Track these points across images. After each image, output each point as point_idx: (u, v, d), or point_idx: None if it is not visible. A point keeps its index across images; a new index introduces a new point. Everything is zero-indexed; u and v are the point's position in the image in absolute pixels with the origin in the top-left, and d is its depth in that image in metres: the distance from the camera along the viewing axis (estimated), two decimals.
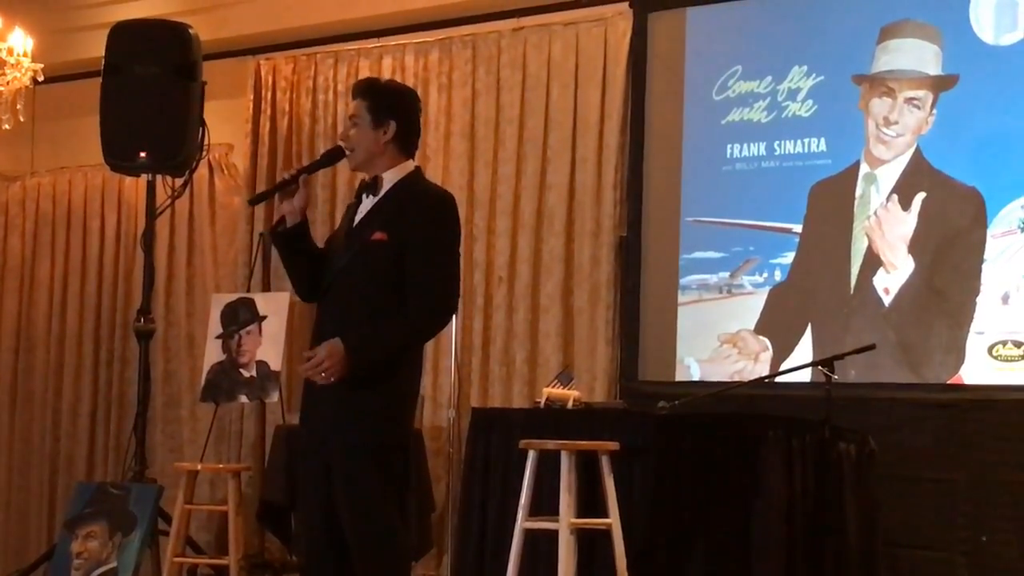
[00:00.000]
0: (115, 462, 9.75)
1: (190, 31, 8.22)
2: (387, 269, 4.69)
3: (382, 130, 4.77)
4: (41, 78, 8.28)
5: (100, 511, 7.85)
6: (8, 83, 8.14)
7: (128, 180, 9.73)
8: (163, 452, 9.54)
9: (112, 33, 8.26)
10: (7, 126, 8.26)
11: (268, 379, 8.35)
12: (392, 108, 4.80)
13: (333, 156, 4.88)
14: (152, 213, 8.33)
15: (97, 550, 7.73)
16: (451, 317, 4.83)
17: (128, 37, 8.21)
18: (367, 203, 4.80)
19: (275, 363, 8.37)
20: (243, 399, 8.50)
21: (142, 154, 8.02)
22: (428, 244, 4.70)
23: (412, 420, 4.90)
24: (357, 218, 4.83)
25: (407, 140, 4.86)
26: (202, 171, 9.00)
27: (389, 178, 4.79)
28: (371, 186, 4.81)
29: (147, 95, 8.02)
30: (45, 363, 10.38)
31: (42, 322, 10.45)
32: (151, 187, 8.30)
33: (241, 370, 8.39)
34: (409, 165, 4.85)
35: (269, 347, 8.40)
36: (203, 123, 8.18)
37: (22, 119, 8.29)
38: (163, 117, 8.04)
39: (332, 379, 4.59)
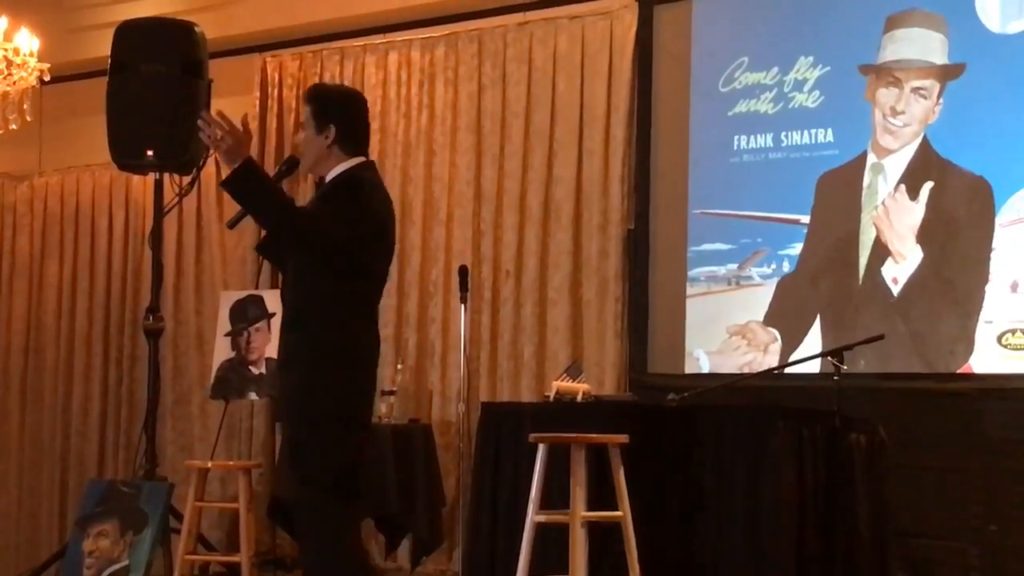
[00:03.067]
0: (125, 460, 9.77)
1: (196, 29, 8.22)
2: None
3: (324, 134, 5.01)
4: (48, 78, 8.29)
5: (111, 509, 7.86)
6: (15, 83, 8.15)
7: (136, 179, 9.74)
8: (173, 450, 9.55)
9: (118, 32, 8.26)
10: (14, 126, 8.27)
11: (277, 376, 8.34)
12: (332, 112, 5.05)
13: (290, 165, 5.13)
14: (160, 211, 8.34)
15: (109, 548, 7.74)
16: (308, 248, 4.90)
17: (134, 36, 8.21)
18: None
19: None
20: (253, 396, 8.51)
21: (149, 153, 8.02)
22: (325, 203, 4.94)
23: (347, 446, 4.93)
24: None
25: (351, 141, 5.08)
26: (209, 169, 9.00)
27: (330, 177, 5.03)
28: (319, 186, 5.12)
29: (154, 94, 8.02)
30: (55, 362, 10.40)
31: (51, 321, 10.46)
32: (159, 185, 8.31)
33: (250, 367, 8.39)
34: (353, 162, 5.04)
35: (278, 344, 8.39)
36: None
37: (29, 119, 8.30)
38: (170, 115, 8.03)
39: (213, 141, 4.73)
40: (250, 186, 4.78)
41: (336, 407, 4.91)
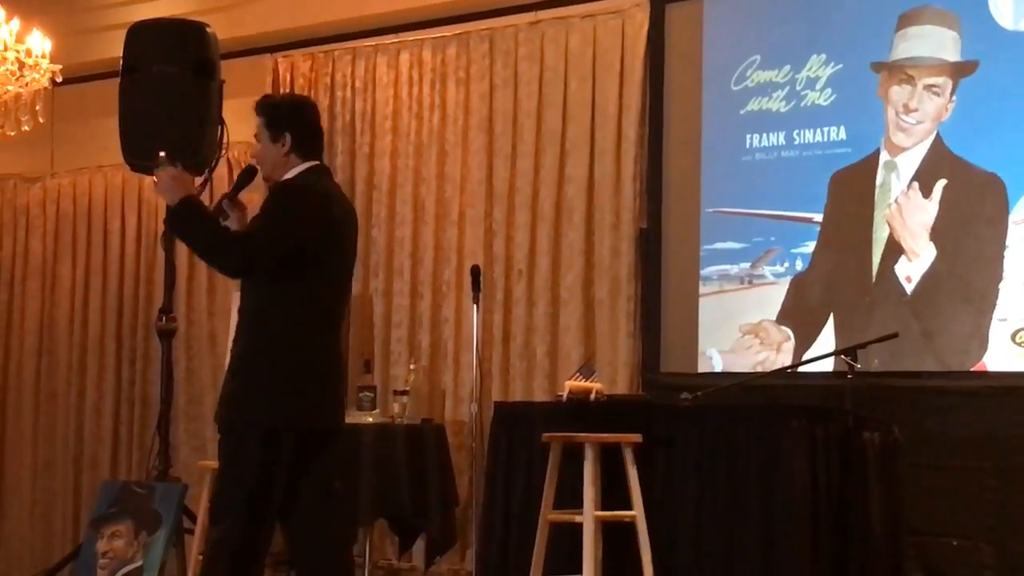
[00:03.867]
0: (139, 461, 9.78)
1: (208, 30, 8.21)
2: None
3: (280, 143, 5.19)
4: (60, 79, 8.30)
5: (125, 510, 7.87)
6: (27, 85, 8.16)
7: (148, 179, 9.72)
8: (187, 450, 9.56)
9: (130, 33, 8.26)
10: (26, 127, 8.28)
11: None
12: (286, 121, 5.22)
13: (248, 175, 5.30)
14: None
15: (123, 549, 7.75)
16: (236, 270, 5.19)
17: (146, 37, 8.20)
18: None
19: None
20: None
21: (161, 153, 7.99)
22: (261, 213, 5.08)
23: (273, 411, 5.02)
24: None
25: (307, 146, 5.26)
26: (221, 170, 8.99)
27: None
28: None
29: (165, 94, 8.01)
30: (68, 363, 10.42)
31: (64, 322, 10.48)
32: None
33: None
34: (304, 167, 5.19)
35: None
36: (222, 122, 8.17)
37: (41, 120, 8.31)
38: (182, 116, 8.02)
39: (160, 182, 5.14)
40: (182, 224, 5.09)
41: (259, 418, 5.00)
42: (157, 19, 8.57)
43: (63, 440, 10.36)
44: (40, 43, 8.21)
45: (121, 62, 8.22)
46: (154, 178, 5.08)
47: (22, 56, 8.10)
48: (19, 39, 8.11)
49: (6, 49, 8.05)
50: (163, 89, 8.03)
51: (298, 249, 5.01)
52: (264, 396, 5.01)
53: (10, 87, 8.11)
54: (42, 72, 8.16)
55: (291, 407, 5.02)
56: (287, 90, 9.38)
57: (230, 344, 5.43)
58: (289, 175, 5.18)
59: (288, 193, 5.13)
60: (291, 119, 5.25)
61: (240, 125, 8.96)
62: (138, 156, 8.20)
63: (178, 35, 8.19)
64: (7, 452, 10.63)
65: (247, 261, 5.05)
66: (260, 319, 5.08)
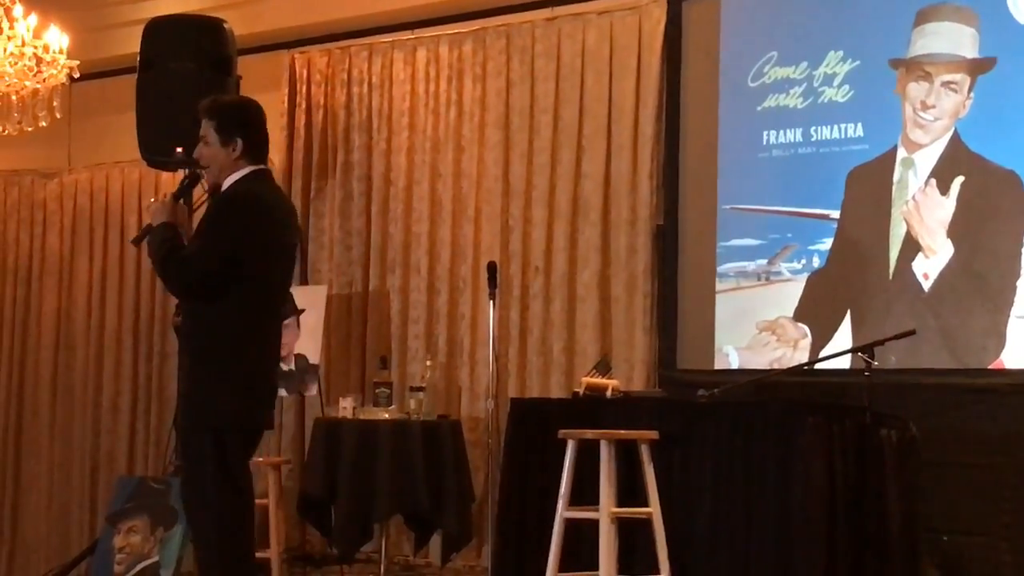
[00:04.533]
0: (155, 457, 9.79)
1: (225, 26, 8.23)
2: None
3: (231, 147, 5.22)
4: (77, 75, 8.30)
5: (142, 505, 7.89)
6: (45, 80, 8.16)
7: (165, 175, 9.75)
8: None
9: (147, 29, 8.29)
10: (44, 123, 8.28)
11: (307, 372, 8.38)
12: (237, 125, 5.25)
13: (193, 179, 5.34)
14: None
15: (139, 544, 7.77)
16: (180, 290, 5.31)
17: (163, 33, 8.23)
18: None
19: (314, 356, 8.40)
20: (282, 392, 8.52)
21: (178, 149, 8.03)
22: (209, 224, 5.19)
23: (225, 409, 5.23)
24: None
25: (255, 151, 5.31)
26: None
27: (225, 185, 5.25)
28: (214, 193, 5.32)
29: (182, 90, 8.02)
30: (85, 359, 10.44)
31: (81, 318, 10.50)
32: None
33: (280, 364, 8.39)
34: (247, 171, 5.24)
35: (307, 340, 8.42)
36: None
37: (59, 116, 8.31)
38: (199, 112, 8.04)
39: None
40: (151, 244, 5.21)
41: (205, 415, 5.23)
42: (174, 15, 8.60)
43: (80, 436, 10.37)
44: (57, 39, 8.21)
45: (138, 58, 8.25)
46: (152, 199, 5.17)
47: (39, 52, 8.10)
48: (37, 35, 8.11)
49: (24, 45, 8.05)
50: (180, 85, 8.05)
51: (235, 265, 5.13)
52: (209, 396, 5.24)
53: (28, 83, 8.11)
54: (59, 68, 8.16)
55: (229, 406, 5.25)
56: (303, 87, 9.39)
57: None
58: (234, 178, 5.23)
59: (229, 207, 5.23)
60: (242, 123, 5.29)
61: None
62: (155, 152, 8.23)
63: (195, 31, 8.21)
64: (25, 448, 10.66)
65: (185, 287, 5.22)
66: (205, 325, 5.23)
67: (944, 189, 7.33)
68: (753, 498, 6.10)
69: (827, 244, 7.68)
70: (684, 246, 8.14)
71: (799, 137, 7.82)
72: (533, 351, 8.48)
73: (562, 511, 6.23)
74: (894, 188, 7.50)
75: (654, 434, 6.20)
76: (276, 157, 9.49)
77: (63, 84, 8.32)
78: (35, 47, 8.08)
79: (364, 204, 9.15)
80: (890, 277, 7.43)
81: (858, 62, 7.66)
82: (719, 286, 7.99)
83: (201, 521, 5.25)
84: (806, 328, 7.70)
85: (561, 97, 8.55)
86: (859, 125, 7.65)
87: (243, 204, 5.20)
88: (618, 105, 8.33)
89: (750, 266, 7.91)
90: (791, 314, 7.75)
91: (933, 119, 7.42)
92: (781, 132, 7.87)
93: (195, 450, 5.24)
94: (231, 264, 5.11)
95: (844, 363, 7.12)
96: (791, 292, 7.76)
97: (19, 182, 10.90)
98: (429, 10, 9.06)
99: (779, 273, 7.83)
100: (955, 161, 7.33)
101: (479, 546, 8.29)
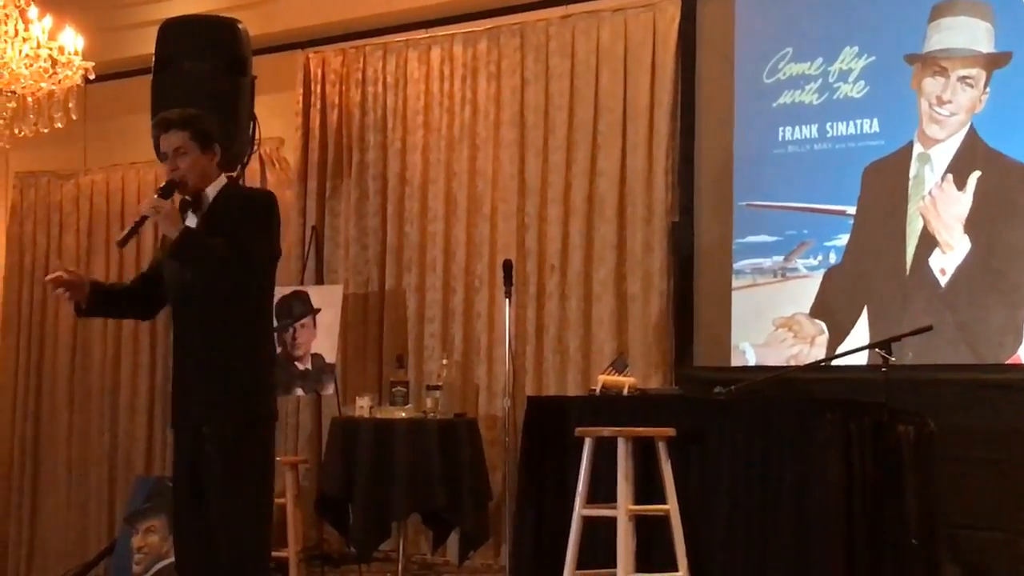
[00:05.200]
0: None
1: (239, 26, 8.23)
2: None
3: (211, 154, 5.27)
4: (92, 76, 8.31)
5: (160, 505, 7.90)
6: (60, 82, 8.17)
7: None
8: None
9: (162, 30, 8.29)
10: (60, 125, 8.29)
11: (323, 372, 8.39)
12: (213, 133, 5.31)
13: (170, 190, 5.23)
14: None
15: (158, 544, 7.79)
16: (232, 290, 5.17)
17: (178, 33, 8.23)
18: (193, 218, 5.20)
19: (330, 355, 8.41)
20: (299, 392, 8.54)
21: None
22: (235, 225, 5.14)
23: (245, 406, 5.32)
24: None
25: (228, 158, 5.58)
26: (253, 166, 9.02)
27: (211, 192, 5.25)
28: (193, 203, 5.24)
29: (197, 91, 8.02)
30: (102, 360, 10.45)
31: (98, 319, 10.49)
32: None
33: (296, 363, 8.42)
34: (223, 179, 5.33)
35: (324, 339, 8.43)
36: (254, 118, 8.19)
37: (74, 117, 8.32)
38: (214, 112, 8.03)
39: (154, 219, 5.09)
40: (191, 250, 5.10)
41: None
42: (189, 16, 8.60)
43: (97, 436, 10.38)
44: (73, 40, 8.22)
45: (153, 59, 8.25)
46: (155, 212, 5.10)
47: (55, 53, 8.11)
48: (52, 36, 8.12)
49: (39, 47, 8.06)
50: (195, 85, 8.04)
51: (270, 251, 5.27)
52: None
53: (43, 84, 8.12)
54: (75, 69, 8.17)
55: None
56: (318, 86, 9.39)
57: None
58: (221, 183, 5.30)
59: (256, 201, 5.37)
60: (210, 132, 5.34)
61: (272, 121, 9.03)
62: None
63: (210, 31, 8.21)
64: (43, 449, 10.67)
65: (243, 286, 5.18)
66: (229, 322, 5.21)
67: (961, 184, 7.32)
68: (770, 495, 6.10)
69: (843, 240, 7.67)
70: (700, 243, 8.13)
71: (815, 133, 7.81)
72: (549, 349, 8.48)
73: (579, 509, 6.24)
74: (910, 184, 7.48)
75: (671, 431, 6.20)
76: (291, 157, 9.54)
77: (78, 85, 8.33)
78: (50, 49, 8.10)
79: (379, 203, 9.15)
80: (907, 273, 7.42)
81: (873, 57, 7.65)
82: (735, 283, 7.98)
83: (240, 520, 5.23)
84: (823, 324, 7.69)
85: (576, 95, 8.55)
86: (875, 121, 7.64)
87: (268, 205, 5.32)
88: (633, 102, 8.32)
89: (766, 262, 7.90)
90: (808, 310, 7.74)
91: (949, 114, 7.40)
92: (797, 128, 7.86)
93: (240, 446, 5.35)
94: (269, 252, 5.26)
95: (861, 359, 7.11)
96: (808, 288, 7.75)
97: (35, 183, 10.92)
98: (443, 9, 9.06)
99: (795, 269, 7.82)
100: (971, 156, 7.31)
101: (497, 544, 8.29)
